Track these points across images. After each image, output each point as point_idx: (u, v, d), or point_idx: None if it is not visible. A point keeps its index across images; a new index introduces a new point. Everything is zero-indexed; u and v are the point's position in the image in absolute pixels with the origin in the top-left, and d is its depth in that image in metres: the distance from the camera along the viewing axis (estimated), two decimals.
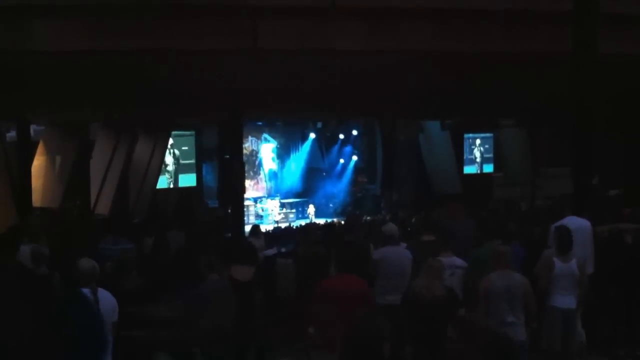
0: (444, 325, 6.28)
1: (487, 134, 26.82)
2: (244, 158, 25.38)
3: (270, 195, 30.06)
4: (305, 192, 31.12)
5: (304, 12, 9.02)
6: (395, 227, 8.39)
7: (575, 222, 8.35)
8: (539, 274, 7.57)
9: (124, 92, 12.45)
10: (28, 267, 7.15)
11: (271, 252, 9.26)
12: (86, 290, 5.79)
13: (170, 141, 23.79)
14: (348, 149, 31.09)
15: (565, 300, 7.44)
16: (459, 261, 7.52)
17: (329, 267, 6.85)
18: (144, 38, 8.89)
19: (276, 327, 7.00)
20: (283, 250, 8.56)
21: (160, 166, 23.27)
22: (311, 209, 29.20)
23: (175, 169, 24.30)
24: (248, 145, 29.27)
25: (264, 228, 20.94)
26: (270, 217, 28.09)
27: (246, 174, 26.16)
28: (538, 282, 7.52)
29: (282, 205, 29.15)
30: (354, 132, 30.42)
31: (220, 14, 9.05)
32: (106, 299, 5.89)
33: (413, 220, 15.39)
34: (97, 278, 5.93)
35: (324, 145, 31.43)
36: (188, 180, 24.62)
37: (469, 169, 26.49)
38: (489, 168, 27.03)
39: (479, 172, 26.87)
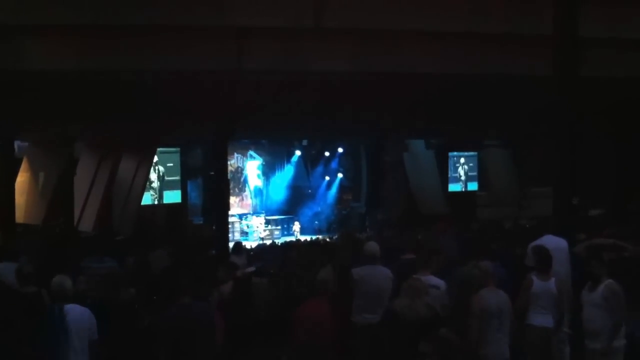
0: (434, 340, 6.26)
1: (472, 153, 27.04)
2: (230, 175, 25.42)
3: (256, 212, 30.04)
4: (291, 209, 31.12)
5: (288, 33, 9.11)
6: (377, 246, 8.39)
7: (552, 241, 8.46)
8: (519, 294, 7.63)
9: (110, 110, 12.47)
10: (11, 286, 7.16)
11: (251, 269, 9.21)
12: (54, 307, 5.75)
13: (155, 158, 23.73)
14: (333, 166, 31.17)
15: (542, 318, 7.50)
16: (434, 280, 7.50)
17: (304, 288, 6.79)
18: (130, 57, 8.95)
19: (250, 350, 6.89)
20: (256, 266, 8.46)
21: (145, 183, 23.19)
22: (296, 226, 29.21)
23: (160, 185, 24.23)
24: (234, 162, 29.29)
25: (248, 245, 20.92)
26: (255, 234, 28.06)
27: (231, 191, 26.19)
28: (515, 301, 7.60)
29: (268, 222, 29.14)
30: (340, 150, 30.52)
31: (206, 35, 9.12)
32: (79, 316, 5.78)
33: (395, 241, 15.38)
34: (67, 295, 5.84)
35: (310, 162, 31.51)
36: (173, 197, 24.52)
37: (453, 187, 26.65)
38: (473, 186, 27.21)
39: (463, 189, 27.03)
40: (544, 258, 7.70)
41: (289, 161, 31.28)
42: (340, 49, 9.34)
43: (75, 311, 5.79)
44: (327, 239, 22.06)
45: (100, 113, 13.00)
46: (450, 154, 26.43)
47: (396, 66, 9.48)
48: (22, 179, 19.07)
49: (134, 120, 14.66)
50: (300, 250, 11.65)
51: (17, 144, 18.88)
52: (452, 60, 9.68)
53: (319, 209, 30.98)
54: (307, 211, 30.88)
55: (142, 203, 23.15)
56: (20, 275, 7.22)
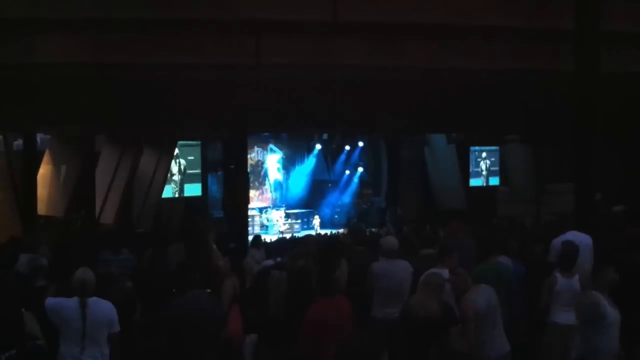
0: (438, 341, 6.20)
1: (493, 147, 26.83)
2: (250, 168, 25.48)
3: (276, 205, 30.08)
4: (311, 203, 31.13)
5: (307, 27, 9.04)
6: (395, 241, 8.35)
7: (576, 238, 8.32)
8: (542, 292, 7.52)
9: (127, 106, 12.45)
10: (26, 278, 7.22)
11: (269, 262, 9.15)
12: (74, 300, 5.82)
13: (176, 151, 23.84)
14: (354, 160, 31.09)
15: (565, 316, 7.38)
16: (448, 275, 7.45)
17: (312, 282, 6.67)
18: (147, 52, 8.94)
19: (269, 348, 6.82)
20: (278, 260, 8.40)
21: (166, 177, 23.31)
22: (316, 220, 29.21)
23: (181, 178, 24.33)
24: (254, 155, 29.35)
25: (268, 238, 20.95)
26: (275, 228, 28.10)
27: (251, 185, 26.22)
28: (540, 300, 7.50)
29: (287, 216, 29.16)
30: (360, 144, 30.43)
31: (224, 30, 9.08)
32: (99, 310, 5.86)
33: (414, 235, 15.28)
34: (89, 289, 5.91)
35: (330, 156, 31.47)
36: (193, 190, 24.61)
37: (475, 182, 26.45)
38: (495, 181, 26.97)
39: (485, 184, 26.82)
40: (569, 255, 7.56)
41: (309, 155, 31.27)
42: (359, 43, 9.25)
43: (96, 304, 5.86)
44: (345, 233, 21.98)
45: (115, 108, 13.02)
46: (471, 148, 26.23)
47: (411, 61, 9.37)
48: (44, 172, 19.24)
49: (150, 117, 14.67)
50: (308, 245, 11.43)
51: (39, 136, 19.09)
52: (471, 55, 9.55)
53: (339, 203, 30.94)
54: (327, 205, 30.87)
55: (164, 196, 23.29)
56: (32, 268, 7.30)
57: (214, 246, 8.05)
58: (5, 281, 6.27)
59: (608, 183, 15.09)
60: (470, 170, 26.17)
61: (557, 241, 8.49)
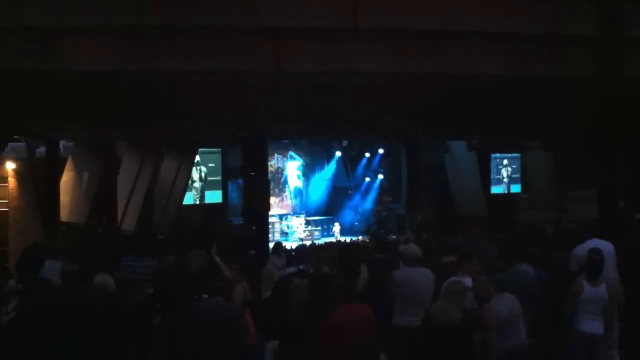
0: (461, 350, 6.14)
1: (515, 155, 26.64)
2: (270, 175, 25.55)
3: (296, 212, 30.12)
4: (331, 210, 31.13)
5: (326, 34, 9.04)
6: (418, 249, 8.35)
7: (599, 246, 8.24)
8: (568, 299, 7.47)
9: (147, 111, 12.52)
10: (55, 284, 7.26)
11: (291, 270, 9.17)
12: None
13: (197, 158, 23.96)
14: (374, 167, 31.05)
15: (591, 325, 7.32)
16: (470, 282, 7.42)
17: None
18: (167, 59, 8.98)
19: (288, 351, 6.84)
20: (301, 267, 8.43)
21: (186, 183, 23.42)
22: (336, 227, 29.19)
23: (202, 185, 24.44)
24: (274, 162, 29.43)
25: (288, 245, 20.97)
26: (295, 235, 28.15)
27: (272, 191, 26.30)
28: (564, 307, 7.44)
29: (308, 223, 29.19)
30: (380, 151, 30.39)
31: (243, 36, 9.10)
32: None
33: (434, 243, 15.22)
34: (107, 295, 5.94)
35: (350, 163, 31.46)
36: (214, 196, 24.73)
37: (496, 189, 26.27)
38: (516, 188, 26.77)
39: (506, 192, 26.64)
40: (596, 263, 7.50)
41: (329, 162, 31.29)
42: (378, 49, 9.21)
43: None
44: (366, 241, 21.99)
45: (136, 115, 13.07)
46: (492, 155, 26.07)
47: (435, 67, 9.31)
48: (66, 179, 19.39)
49: (170, 122, 14.73)
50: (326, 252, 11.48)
51: (62, 144, 19.25)
52: (488, 60, 9.47)
53: (359, 210, 30.91)
54: (347, 212, 30.84)
55: (185, 203, 23.39)
56: (64, 275, 7.36)
57: (218, 258, 8.18)
58: (31, 286, 6.33)
59: (633, 189, 14.92)
60: (492, 177, 25.99)
61: (579, 249, 8.43)
